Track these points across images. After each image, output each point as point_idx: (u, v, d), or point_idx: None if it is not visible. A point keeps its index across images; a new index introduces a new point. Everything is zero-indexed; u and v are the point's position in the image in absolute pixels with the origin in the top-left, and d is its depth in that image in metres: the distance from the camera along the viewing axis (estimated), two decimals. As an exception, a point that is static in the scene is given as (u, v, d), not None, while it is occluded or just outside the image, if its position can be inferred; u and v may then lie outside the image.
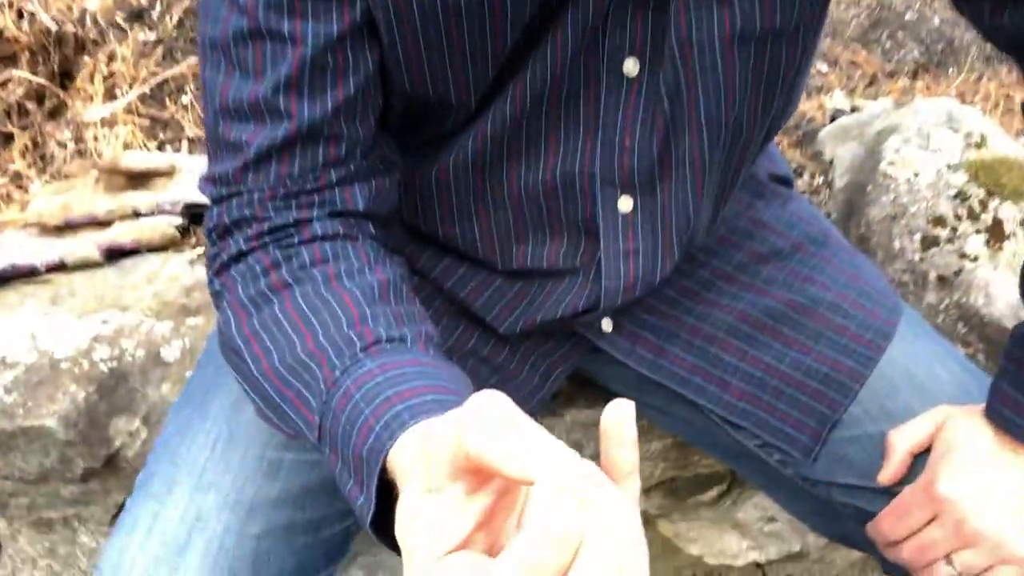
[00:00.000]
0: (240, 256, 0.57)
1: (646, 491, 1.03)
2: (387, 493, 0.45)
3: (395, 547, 0.43)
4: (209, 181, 0.59)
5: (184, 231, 1.04)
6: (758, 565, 1.25)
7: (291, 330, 0.53)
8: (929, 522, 0.65)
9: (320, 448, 0.50)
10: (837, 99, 1.30)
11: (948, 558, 0.65)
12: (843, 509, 0.73)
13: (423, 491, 0.38)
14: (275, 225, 0.56)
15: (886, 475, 0.69)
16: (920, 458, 0.69)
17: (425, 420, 0.44)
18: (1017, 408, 0.63)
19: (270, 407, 0.54)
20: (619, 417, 0.38)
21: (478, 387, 0.54)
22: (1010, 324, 0.96)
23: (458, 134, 0.63)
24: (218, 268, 0.58)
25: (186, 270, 0.99)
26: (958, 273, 1.03)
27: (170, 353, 0.91)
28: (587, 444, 0.92)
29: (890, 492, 0.69)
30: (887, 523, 0.67)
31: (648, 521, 1.12)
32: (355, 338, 0.51)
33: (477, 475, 0.38)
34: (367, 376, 0.49)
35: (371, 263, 0.57)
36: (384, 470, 0.44)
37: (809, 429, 0.72)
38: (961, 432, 0.66)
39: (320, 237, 0.57)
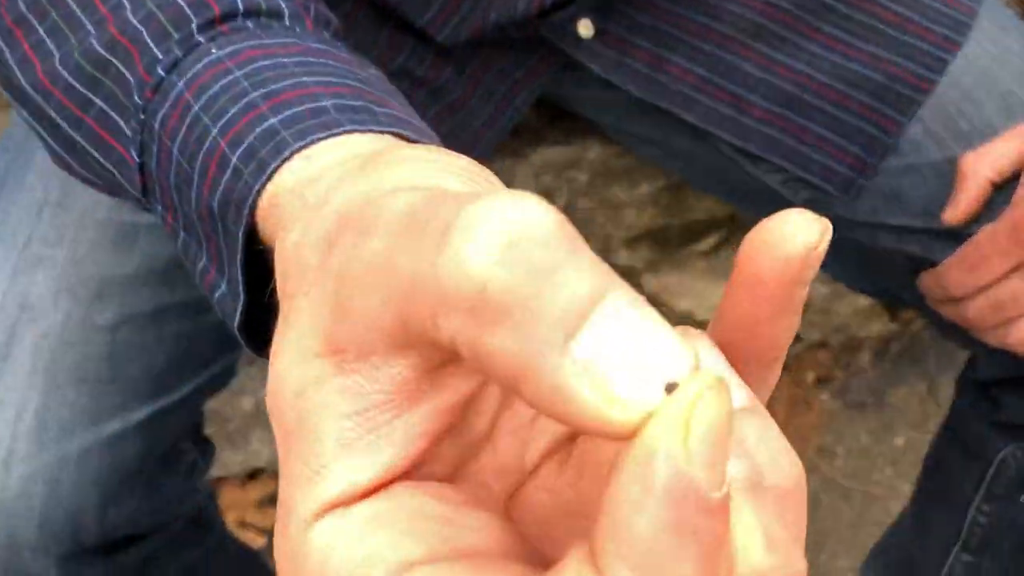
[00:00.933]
0: None
1: (631, 242, 0.91)
2: (266, 269, 0.27)
3: None
4: None
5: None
6: (753, 318, 1.16)
7: (79, 8, 0.34)
8: (1011, 272, 0.53)
9: (148, 207, 0.33)
10: None
11: None
12: (888, 257, 0.61)
13: (323, 347, 0.19)
14: None
15: (956, 210, 0.55)
16: (1002, 191, 0.55)
17: (326, 142, 0.26)
18: None
19: (62, 142, 0.35)
20: (798, 257, 0.18)
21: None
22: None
23: None
24: None
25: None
26: None
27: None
28: (559, 193, 0.77)
29: (957, 235, 0.56)
30: (954, 273, 0.55)
31: (632, 276, 1.00)
32: (189, 10, 0.32)
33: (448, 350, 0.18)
34: (213, 71, 0.30)
35: None
36: (254, 233, 0.27)
37: (852, 158, 0.59)
38: (1066, 152, 0.51)
39: None
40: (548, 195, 0.78)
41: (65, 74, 0.33)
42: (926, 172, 0.57)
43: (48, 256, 0.49)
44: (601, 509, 0.15)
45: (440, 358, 0.18)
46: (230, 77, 0.29)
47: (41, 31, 0.34)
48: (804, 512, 0.18)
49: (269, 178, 0.25)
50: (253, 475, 1.10)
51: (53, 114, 0.34)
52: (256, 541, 1.05)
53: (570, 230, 0.16)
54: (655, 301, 1.11)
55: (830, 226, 0.18)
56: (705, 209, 0.88)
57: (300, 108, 0.27)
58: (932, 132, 0.57)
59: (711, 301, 1.09)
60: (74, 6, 0.33)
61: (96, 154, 0.33)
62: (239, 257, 0.27)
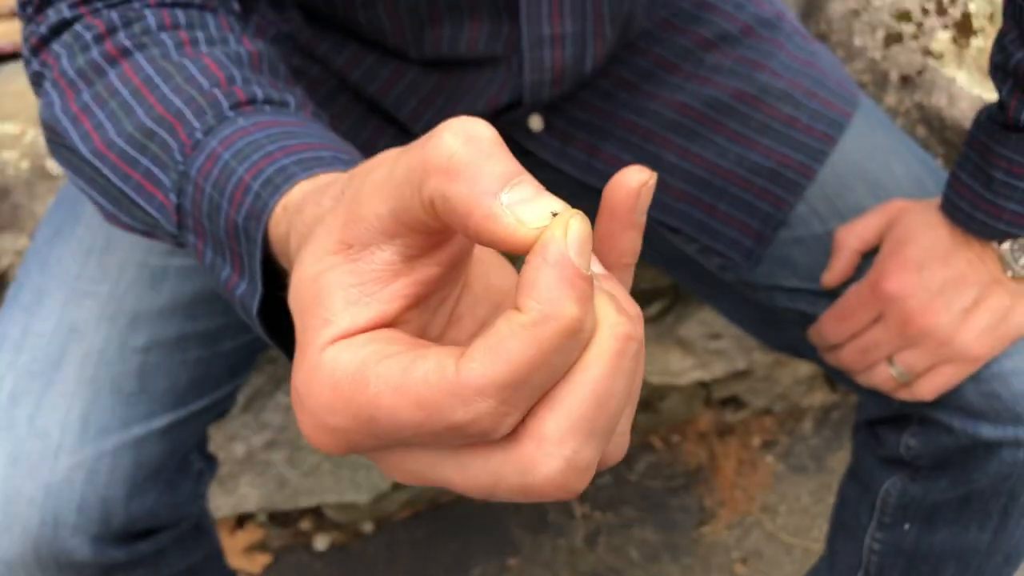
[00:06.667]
0: (63, 26, 0.46)
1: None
2: (280, 280, 0.36)
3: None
4: None
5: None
6: (703, 384, 1.24)
7: (133, 99, 0.42)
8: (873, 323, 0.62)
9: (181, 239, 0.41)
10: None
11: (890, 359, 0.62)
12: (785, 315, 0.69)
13: (336, 246, 0.26)
14: None
15: (831, 275, 0.65)
16: (868, 258, 0.64)
17: (325, 174, 0.35)
18: (975, 200, 0.58)
19: (111, 198, 0.43)
20: (636, 190, 0.26)
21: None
22: (971, 123, 0.90)
23: None
24: (35, 45, 0.46)
25: (76, 75, 0.89)
26: (921, 72, 0.97)
27: (57, 166, 0.82)
28: (516, 260, 0.86)
29: (835, 294, 0.65)
30: (829, 325, 0.64)
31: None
32: (222, 97, 0.41)
33: (425, 236, 0.26)
34: (239, 133, 0.38)
35: (236, 34, 0.46)
36: (269, 244, 0.35)
37: (752, 231, 0.67)
38: (913, 226, 0.61)
39: (169, 2, 0.46)
40: (510, 262, 0.88)
41: (120, 142, 0.42)
42: (811, 243, 0.66)
43: (93, 291, 0.58)
44: (519, 279, 0.23)
45: (417, 245, 0.26)
46: (253, 137, 0.38)
47: (101, 115, 0.43)
48: (642, 326, 0.25)
49: (282, 194, 0.35)
50: (241, 522, 1.16)
51: (108, 172, 0.42)
52: (241, 581, 1.10)
53: (500, 139, 0.25)
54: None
55: (654, 175, 0.27)
56: (649, 279, 0.98)
57: (307, 155, 0.37)
58: (816, 210, 0.66)
59: (660, 365, 1.16)
60: (127, 96, 0.43)
61: (140, 201, 0.41)
62: (258, 254, 0.35)
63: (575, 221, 0.23)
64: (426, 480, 0.26)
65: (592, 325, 0.24)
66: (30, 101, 0.88)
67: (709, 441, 1.29)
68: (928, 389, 0.61)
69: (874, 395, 0.67)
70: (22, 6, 0.47)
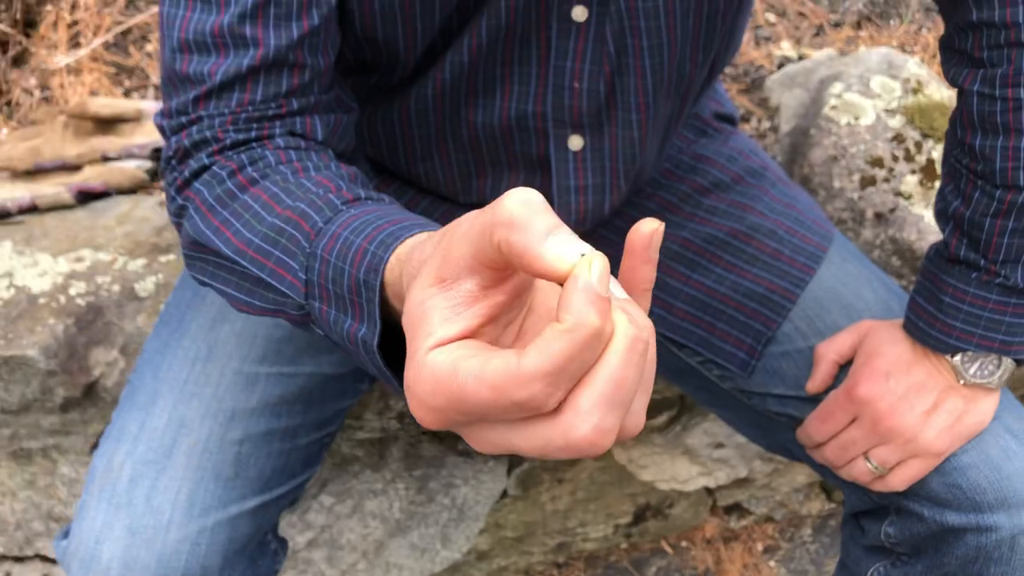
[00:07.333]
0: (203, 169, 0.56)
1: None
2: (393, 333, 0.45)
3: (402, 382, 0.44)
4: (165, 115, 0.59)
5: (153, 174, 1.07)
6: (708, 491, 1.32)
7: (263, 210, 0.52)
8: (850, 424, 0.72)
9: (307, 308, 0.49)
10: (784, 48, 1.35)
11: (866, 455, 0.71)
12: (777, 418, 0.79)
13: (434, 280, 0.35)
14: (237, 140, 0.57)
15: (814, 383, 0.75)
16: (845, 368, 0.75)
17: (423, 233, 0.44)
18: (930, 320, 0.70)
19: (244, 290, 0.53)
20: (648, 235, 0.35)
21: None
22: (936, 255, 1.01)
23: (415, 80, 0.66)
24: (179, 186, 0.57)
25: (156, 211, 1.02)
26: (893, 210, 1.08)
27: (144, 288, 0.94)
28: None
29: (818, 400, 0.75)
30: (813, 426, 0.74)
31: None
32: (335, 198, 0.50)
33: (496, 272, 0.34)
34: (353, 218, 0.47)
35: (335, 163, 0.58)
36: (384, 294, 0.44)
37: (746, 346, 0.78)
38: (881, 342, 0.72)
39: (283, 147, 0.57)
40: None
41: (256, 240, 0.52)
42: (796, 357, 0.76)
43: (199, 393, 0.69)
44: (559, 301, 0.32)
45: (491, 279, 0.33)
46: (364, 218, 0.48)
47: (238, 224, 0.53)
48: (650, 334, 0.34)
49: (393, 250, 0.44)
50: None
51: (246, 264, 0.52)
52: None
53: (546, 204, 0.34)
54: (624, 472, 1.26)
55: (662, 224, 0.36)
56: (657, 391, 1.07)
57: (404, 223, 0.47)
58: (799, 328, 0.77)
59: (669, 473, 1.24)
60: (259, 208, 0.53)
61: (273, 283, 0.51)
62: (376, 299, 0.44)
63: (597, 259, 0.32)
64: (501, 447, 0.35)
65: (610, 330, 0.33)
66: (118, 233, 1.00)
67: (716, 546, 1.36)
68: (899, 480, 0.71)
69: (856, 489, 0.76)
70: (167, 159, 0.59)
